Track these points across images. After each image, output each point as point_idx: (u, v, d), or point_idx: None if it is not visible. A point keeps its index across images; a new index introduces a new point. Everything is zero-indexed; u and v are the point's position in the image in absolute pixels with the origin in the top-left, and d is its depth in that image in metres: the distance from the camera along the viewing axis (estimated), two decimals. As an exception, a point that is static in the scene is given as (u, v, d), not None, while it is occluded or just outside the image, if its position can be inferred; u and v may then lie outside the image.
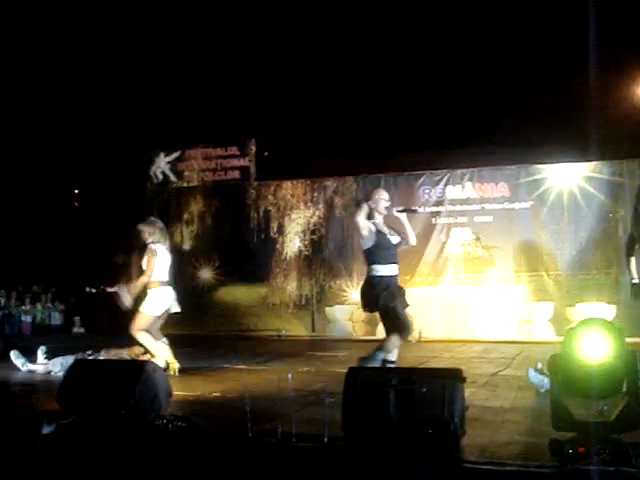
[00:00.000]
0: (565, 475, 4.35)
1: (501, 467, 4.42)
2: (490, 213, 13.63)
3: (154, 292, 8.59)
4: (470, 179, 13.81)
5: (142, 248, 9.27)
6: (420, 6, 15.02)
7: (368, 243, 7.38)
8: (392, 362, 7.07)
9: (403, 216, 7.59)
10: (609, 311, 12.14)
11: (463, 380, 4.99)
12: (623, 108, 15.00)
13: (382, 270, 7.33)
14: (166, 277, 8.79)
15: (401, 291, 7.42)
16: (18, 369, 9.21)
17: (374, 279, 7.33)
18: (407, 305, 7.34)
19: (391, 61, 15.46)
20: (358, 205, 7.50)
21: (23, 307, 19.29)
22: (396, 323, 7.13)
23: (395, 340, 7.13)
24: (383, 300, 7.19)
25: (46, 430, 5.20)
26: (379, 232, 7.42)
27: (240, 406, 6.42)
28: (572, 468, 4.33)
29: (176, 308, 8.81)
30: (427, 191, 14.00)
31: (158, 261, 8.65)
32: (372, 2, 15.28)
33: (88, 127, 19.41)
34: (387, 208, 7.48)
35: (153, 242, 8.86)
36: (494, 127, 15.05)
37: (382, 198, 7.53)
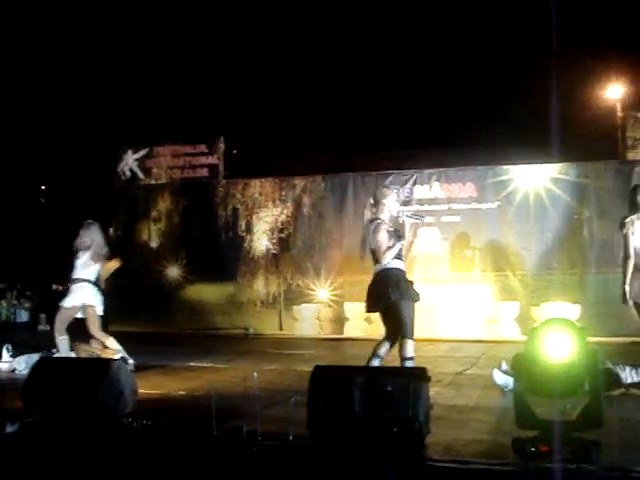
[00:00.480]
0: (528, 473, 4.40)
1: (465, 465, 4.46)
2: (457, 213, 13.70)
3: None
4: (438, 179, 13.86)
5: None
6: (392, 10, 15.10)
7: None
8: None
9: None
10: (574, 311, 12.26)
11: (428, 379, 5.03)
12: (589, 110, 15.18)
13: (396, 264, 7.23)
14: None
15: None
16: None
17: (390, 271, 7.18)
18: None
19: (362, 62, 15.51)
20: (377, 203, 7.37)
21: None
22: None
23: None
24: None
25: (9, 429, 5.18)
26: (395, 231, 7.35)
27: (206, 404, 6.41)
28: (535, 466, 4.39)
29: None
30: (395, 191, 14.03)
31: None
32: (343, 3, 15.32)
33: (56, 123, 19.26)
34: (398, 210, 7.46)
35: None
36: (462, 128, 15.15)
37: (396, 200, 7.54)
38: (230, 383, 7.53)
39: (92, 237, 9.26)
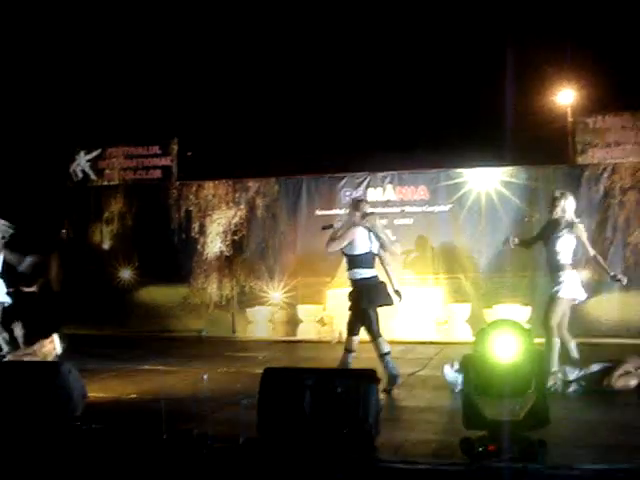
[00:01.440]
0: (475, 472, 4.47)
1: (414, 466, 4.52)
2: (410, 216, 13.78)
3: None
4: (391, 182, 13.94)
5: None
6: (344, 11, 15.16)
7: (364, 247, 7.84)
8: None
9: None
10: (524, 312, 12.41)
11: (377, 381, 5.07)
12: (539, 115, 15.39)
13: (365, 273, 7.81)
14: None
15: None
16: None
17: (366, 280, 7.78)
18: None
19: (315, 64, 15.54)
20: (357, 207, 8.08)
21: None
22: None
23: None
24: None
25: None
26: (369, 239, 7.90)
27: (157, 407, 6.40)
28: (482, 465, 4.45)
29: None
30: (348, 193, 14.08)
31: None
32: (298, 7, 15.35)
33: (6, 123, 18.98)
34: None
35: None
36: (415, 131, 15.27)
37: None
38: (182, 386, 7.52)
39: None
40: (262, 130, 15.56)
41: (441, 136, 14.67)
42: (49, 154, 17.19)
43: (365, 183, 14.03)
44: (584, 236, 7.76)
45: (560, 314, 7.61)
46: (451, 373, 7.28)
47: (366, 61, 15.35)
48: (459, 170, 13.65)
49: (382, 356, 7.58)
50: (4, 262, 9.54)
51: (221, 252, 14.64)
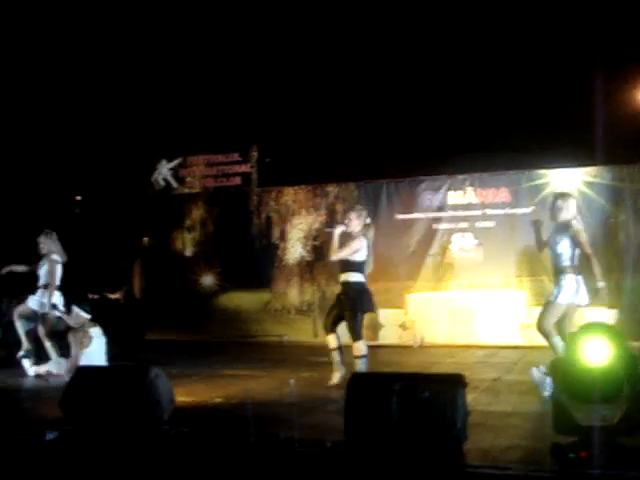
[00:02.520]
0: (567, 479, 4.36)
1: (503, 471, 4.43)
2: (492, 218, 13.61)
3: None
4: (471, 184, 13.80)
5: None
6: (421, 14, 15.04)
7: (363, 255, 8.35)
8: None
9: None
10: (611, 315, 12.13)
11: (465, 385, 5.00)
12: (624, 113, 15.00)
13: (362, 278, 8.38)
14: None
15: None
16: (23, 375, 9.25)
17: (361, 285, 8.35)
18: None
19: (393, 68, 15.47)
20: (360, 217, 8.58)
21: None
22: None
23: None
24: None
25: (49, 436, 5.23)
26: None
27: (242, 412, 6.45)
28: (574, 472, 4.34)
29: None
30: (428, 197, 13.99)
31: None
32: (375, 10, 15.28)
33: (90, 134, 19.43)
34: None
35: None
36: (495, 132, 15.04)
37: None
38: (266, 390, 7.55)
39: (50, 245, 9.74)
40: (341, 135, 15.53)
41: (522, 137, 14.39)
42: (132, 164, 17.54)
43: (445, 186, 13.92)
44: (581, 236, 7.46)
45: (554, 319, 7.37)
46: (539, 376, 7.16)
47: (443, 62, 15.21)
48: (541, 171, 13.42)
49: (360, 357, 8.09)
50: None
51: (302, 257, 14.71)
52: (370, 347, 13.37)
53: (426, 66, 15.32)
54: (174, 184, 16.25)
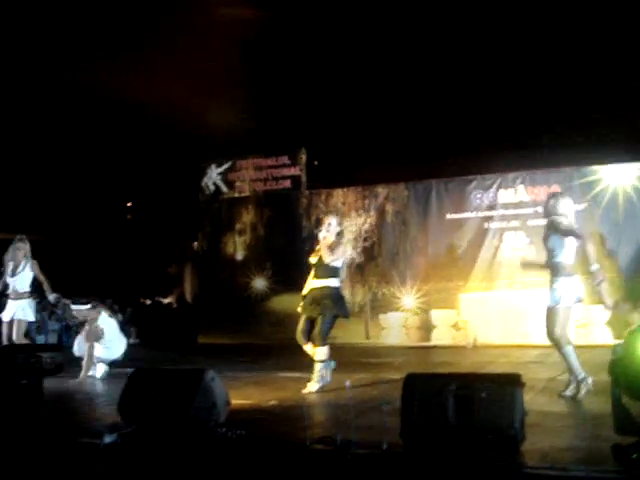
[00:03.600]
0: (629, 480, 4.28)
1: (563, 472, 4.35)
2: (544, 216, 13.47)
3: None
4: (522, 182, 13.68)
5: None
6: (464, 10, 14.91)
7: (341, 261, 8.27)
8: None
9: None
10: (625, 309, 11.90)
11: (522, 385, 4.94)
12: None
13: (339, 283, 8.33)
14: None
15: None
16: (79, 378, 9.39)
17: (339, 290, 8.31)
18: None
19: (440, 67, 15.38)
20: (341, 223, 8.88)
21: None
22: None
23: None
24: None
25: (108, 440, 5.28)
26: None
27: (297, 414, 6.47)
28: (638, 473, 4.26)
29: None
30: (479, 196, 13.90)
31: None
32: (422, 12, 15.20)
33: (139, 140, 19.64)
34: None
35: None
36: (545, 129, 14.87)
37: None
38: (320, 392, 7.55)
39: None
40: (390, 135, 15.49)
41: (573, 132, 14.22)
42: (181, 169, 17.71)
43: (496, 184, 13.81)
44: (566, 231, 7.27)
45: (561, 325, 7.38)
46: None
47: (489, 59, 15.07)
48: (594, 167, 13.24)
49: (322, 362, 7.87)
50: None
51: (352, 259, 14.71)
52: (423, 348, 13.43)
53: (473, 62, 15.20)
54: (224, 188, 16.37)
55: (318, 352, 7.87)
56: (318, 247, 8.21)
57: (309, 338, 8.10)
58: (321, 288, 8.09)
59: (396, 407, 5.09)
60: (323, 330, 7.94)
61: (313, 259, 8.24)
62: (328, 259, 8.03)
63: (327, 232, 8.16)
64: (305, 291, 8.33)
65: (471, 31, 14.59)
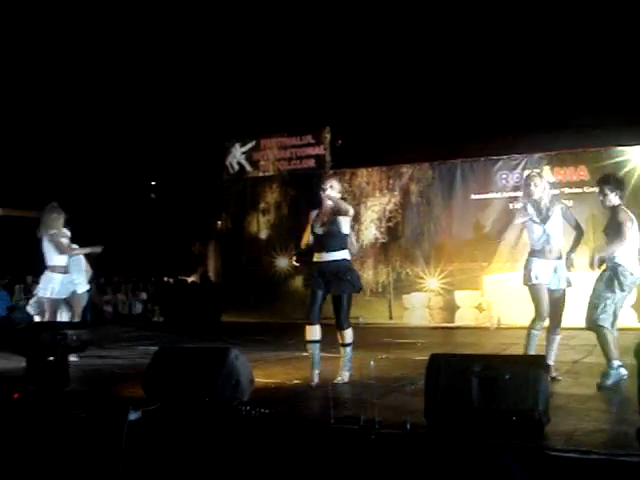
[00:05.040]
0: (655, 464, 4.25)
1: (588, 455, 4.33)
2: (570, 197, 13.34)
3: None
4: (548, 163, 13.56)
5: None
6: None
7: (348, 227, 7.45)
8: None
9: None
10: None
11: (547, 367, 4.92)
12: None
13: None
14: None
15: None
16: (103, 357, 9.47)
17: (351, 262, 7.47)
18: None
19: (467, 47, 15.26)
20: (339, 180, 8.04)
21: (105, 296, 19.75)
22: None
23: None
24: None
25: (132, 416, 5.32)
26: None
27: (320, 393, 6.49)
28: (662, 457, 4.24)
29: None
30: (504, 176, 13.81)
31: None
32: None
33: (163, 119, 19.68)
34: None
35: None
36: (571, 109, 14.73)
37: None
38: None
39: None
40: (414, 115, 15.41)
41: (600, 112, 14.08)
42: (205, 148, 17.73)
43: (521, 165, 13.71)
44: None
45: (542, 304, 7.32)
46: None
47: (514, 39, 14.94)
48: (622, 148, 13.09)
49: (349, 345, 7.34)
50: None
51: (376, 239, 14.70)
52: (447, 328, 13.41)
53: (501, 42, 15.08)
54: (248, 167, 16.38)
55: (348, 334, 7.26)
56: (315, 214, 7.41)
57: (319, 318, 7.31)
58: (337, 261, 7.21)
59: (420, 387, 5.09)
60: (346, 311, 7.28)
61: (320, 229, 7.27)
62: (350, 210, 7.24)
63: (331, 191, 7.27)
64: (314, 265, 7.37)
65: (500, 14, 14.46)
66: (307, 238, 7.46)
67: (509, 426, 4.64)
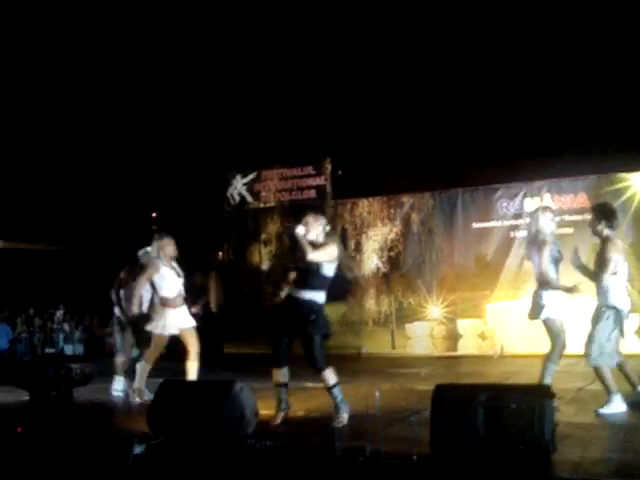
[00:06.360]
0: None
1: (595, 484, 4.33)
2: (570, 225, 13.36)
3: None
4: (548, 191, 13.57)
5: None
6: (489, 15, 14.94)
7: (332, 270, 7.08)
8: None
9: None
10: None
11: (552, 396, 4.92)
12: None
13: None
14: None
15: None
16: (107, 389, 9.42)
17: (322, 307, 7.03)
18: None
19: (465, 79, 15.41)
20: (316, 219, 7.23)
21: (106, 329, 19.72)
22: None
23: None
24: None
25: (137, 450, 5.31)
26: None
27: (324, 424, 6.46)
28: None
29: None
30: (504, 204, 13.83)
31: None
32: (443, 20, 15.26)
33: (165, 151, 19.79)
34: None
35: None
36: (569, 137, 14.83)
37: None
38: (348, 403, 7.52)
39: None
40: (414, 145, 15.52)
41: (600, 139, 14.17)
42: (206, 179, 17.81)
43: (522, 193, 13.73)
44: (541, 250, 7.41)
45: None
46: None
47: (515, 68, 15.08)
48: (621, 175, 13.12)
49: (334, 387, 6.78)
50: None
51: (378, 269, 14.70)
52: (450, 357, 13.37)
53: (497, 74, 15.22)
54: (249, 198, 16.41)
55: (327, 377, 6.75)
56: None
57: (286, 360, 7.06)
58: (303, 301, 6.85)
59: (425, 417, 5.07)
60: (317, 353, 6.76)
61: (301, 262, 6.87)
62: (308, 254, 6.72)
63: (305, 227, 6.88)
64: (283, 302, 7.13)
65: (498, 42, 14.60)
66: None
67: (516, 456, 4.63)
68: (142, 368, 8.54)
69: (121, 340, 9.72)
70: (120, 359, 9.50)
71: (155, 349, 8.68)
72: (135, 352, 9.61)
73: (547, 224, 7.47)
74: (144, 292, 9.12)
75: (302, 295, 6.85)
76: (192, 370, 8.50)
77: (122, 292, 9.76)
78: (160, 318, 8.61)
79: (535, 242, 7.47)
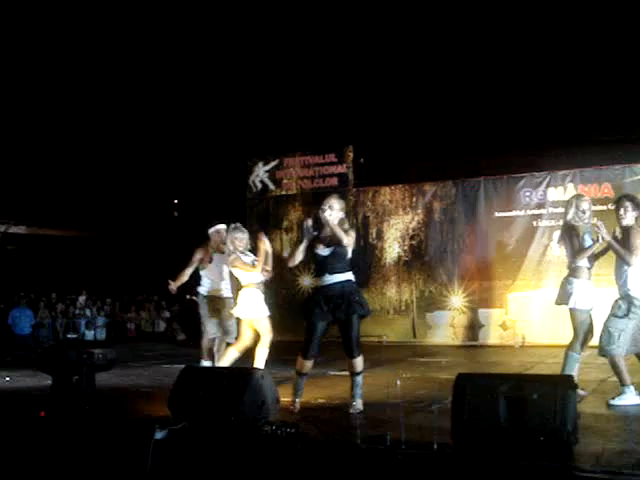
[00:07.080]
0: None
1: (617, 477, 4.29)
2: (594, 215, 13.22)
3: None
4: (572, 180, 13.47)
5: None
6: (522, 12, 14.79)
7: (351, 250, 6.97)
8: None
9: None
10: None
11: (575, 387, 4.89)
12: None
13: None
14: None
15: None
16: (129, 375, 9.46)
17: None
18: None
19: (486, 63, 15.28)
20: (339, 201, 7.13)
21: (128, 314, 19.86)
22: None
23: None
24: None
25: (159, 435, 5.33)
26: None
27: (345, 412, 6.47)
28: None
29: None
30: (527, 194, 13.74)
31: None
32: (464, 7, 15.13)
33: (187, 138, 19.81)
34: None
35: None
36: (594, 126, 14.69)
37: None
38: (368, 391, 7.51)
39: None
40: (437, 132, 15.43)
41: (624, 128, 14.02)
42: (228, 167, 17.80)
43: (545, 182, 13.64)
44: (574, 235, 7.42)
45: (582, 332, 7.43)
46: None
47: (538, 55, 14.94)
48: (645, 165, 13.01)
49: (359, 374, 6.85)
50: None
51: (399, 257, 14.68)
52: (471, 347, 13.35)
53: (521, 61, 15.09)
54: (271, 186, 16.41)
55: (359, 363, 6.80)
56: (312, 228, 6.96)
57: (319, 350, 7.03)
58: (342, 284, 6.78)
59: (446, 407, 5.06)
60: (357, 338, 6.87)
61: (324, 250, 6.80)
62: (345, 240, 6.69)
63: (330, 212, 6.80)
64: (316, 291, 7.02)
65: (523, 27, 14.47)
66: (297, 255, 7.05)
67: (537, 447, 4.61)
68: (261, 355, 8.45)
69: (207, 321, 9.64)
70: (206, 341, 9.45)
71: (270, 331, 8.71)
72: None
73: (582, 212, 7.41)
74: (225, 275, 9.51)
75: (337, 279, 6.80)
76: (261, 356, 8.47)
77: (203, 272, 9.69)
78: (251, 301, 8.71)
79: (569, 230, 7.41)
